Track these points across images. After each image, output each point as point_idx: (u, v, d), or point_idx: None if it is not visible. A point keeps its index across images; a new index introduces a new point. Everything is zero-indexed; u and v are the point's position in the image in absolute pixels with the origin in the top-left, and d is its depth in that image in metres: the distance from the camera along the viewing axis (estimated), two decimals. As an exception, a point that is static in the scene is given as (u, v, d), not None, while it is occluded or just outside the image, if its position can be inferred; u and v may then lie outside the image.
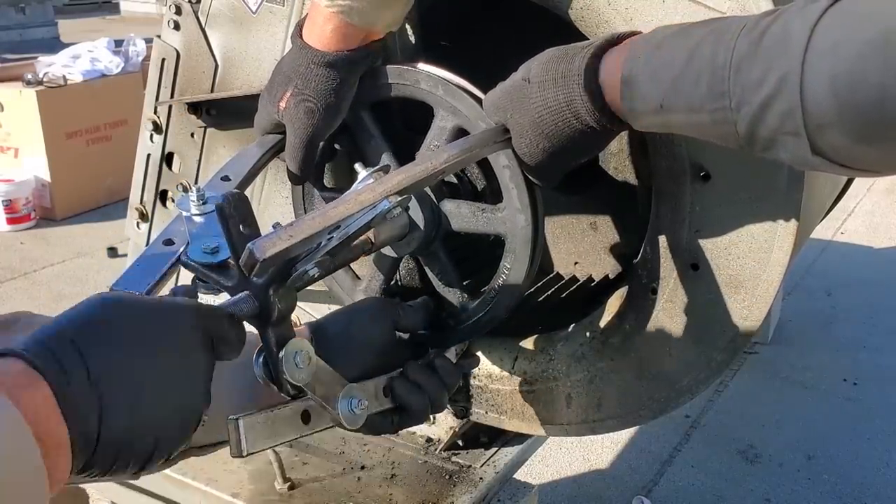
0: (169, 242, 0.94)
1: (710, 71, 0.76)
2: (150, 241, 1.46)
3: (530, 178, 1.00)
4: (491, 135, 0.97)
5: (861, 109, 0.67)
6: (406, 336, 1.06)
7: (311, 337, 0.98)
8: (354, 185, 0.96)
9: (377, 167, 0.94)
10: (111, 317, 0.67)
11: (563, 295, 1.34)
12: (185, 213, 0.94)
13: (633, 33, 0.89)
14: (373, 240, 0.99)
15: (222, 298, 0.81)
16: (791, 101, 0.70)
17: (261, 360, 0.83)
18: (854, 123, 0.68)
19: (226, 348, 0.74)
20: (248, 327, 0.80)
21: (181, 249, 0.90)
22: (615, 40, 0.88)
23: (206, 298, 0.82)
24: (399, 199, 0.87)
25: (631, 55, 0.84)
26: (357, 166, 1.02)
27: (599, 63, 0.87)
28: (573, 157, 0.95)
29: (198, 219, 0.93)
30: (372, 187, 0.85)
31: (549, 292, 1.34)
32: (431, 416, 1.30)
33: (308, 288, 1.30)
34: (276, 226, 0.80)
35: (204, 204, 0.94)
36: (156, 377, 0.67)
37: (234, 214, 0.78)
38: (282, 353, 0.80)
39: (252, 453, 0.80)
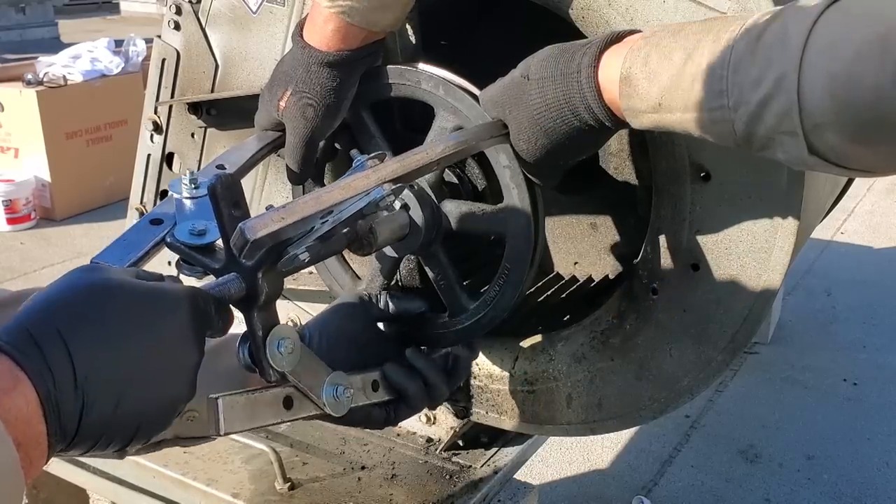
0: (156, 222, 0.92)
1: (709, 70, 0.76)
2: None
3: (530, 176, 1.00)
4: (488, 128, 0.97)
5: (857, 110, 0.67)
6: (395, 333, 1.06)
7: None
8: (349, 171, 0.95)
9: (373, 154, 0.94)
10: (99, 306, 0.66)
11: (563, 295, 1.34)
12: (175, 196, 0.93)
13: (633, 32, 0.89)
14: (370, 231, 0.99)
15: (205, 282, 0.80)
16: (788, 100, 0.70)
17: (246, 345, 0.81)
18: (850, 124, 0.68)
19: (210, 331, 0.74)
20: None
21: (167, 230, 0.90)
22: (615, 39, 0.88)
23: (188, 281, 0.81)
24: (394, 187, 0.86)
25: (630, 54, 0.84)
26: (353, 152, 1.02)
27: (599, 61, 0.87)
28: (571, 154, 0.96)
29: (188, 202, 0.92)
30: (367, 174, 0.85)
31: (549, 292, 1.34)
32: (432, 416, 1.30)
33: (309, 288, 1.32)
34: (270, 208, 0.79)
35: (196, 188, 0.93)
36: (143, 374, 0.66)
37: (226, 196, 0.77)
38: (267, 338, 0.80)
39: (229, 433, 0.79)
